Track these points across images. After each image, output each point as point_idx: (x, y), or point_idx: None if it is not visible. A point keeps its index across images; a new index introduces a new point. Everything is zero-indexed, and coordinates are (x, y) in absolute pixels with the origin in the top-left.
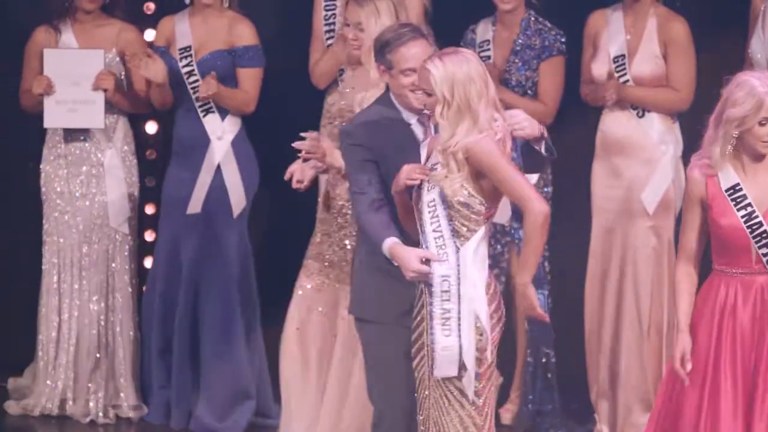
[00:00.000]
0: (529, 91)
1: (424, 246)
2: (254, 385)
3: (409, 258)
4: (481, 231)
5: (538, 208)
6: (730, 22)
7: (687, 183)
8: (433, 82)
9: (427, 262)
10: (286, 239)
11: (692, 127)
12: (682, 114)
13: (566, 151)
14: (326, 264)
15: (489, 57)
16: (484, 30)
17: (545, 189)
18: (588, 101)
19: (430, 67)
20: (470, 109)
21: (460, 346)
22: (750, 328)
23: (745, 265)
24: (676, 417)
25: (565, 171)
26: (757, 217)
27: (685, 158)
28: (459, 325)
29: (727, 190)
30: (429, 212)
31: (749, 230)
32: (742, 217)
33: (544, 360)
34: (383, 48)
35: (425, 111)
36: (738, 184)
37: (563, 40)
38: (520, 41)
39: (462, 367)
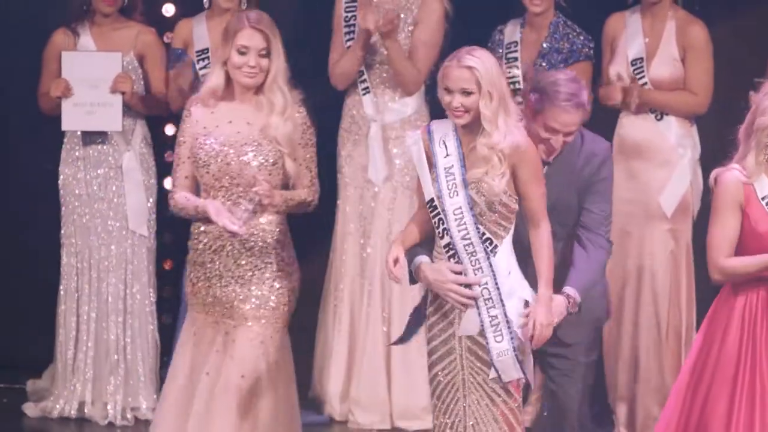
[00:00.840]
0: None
1: (444, 255)
2: None
3: (442, 271)
4: (512, 228)
5: (548, 226)
6: (750, 26)
7: (722, 186)
8: (479, 77)
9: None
10: (303, 242)
11: (710, 131)
12: (700, 117)
13: None
14: (228, 306)
15: (516, 58)
16: (512, 31)
17: None
18: (603, 102)
19: (473, 64)
20: (505, 102)
21: (514, 347)
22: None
23: None
24: (701, 420)
25: None
26: None
27: (703, 161)
28: (508, 327)
29: (763, 198)
30: (456, 220)
31: None
32: None
33: None
34: (539, 90)
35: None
36: None
37: (591, 45)
38: (547, 44)
39: (520, 366)
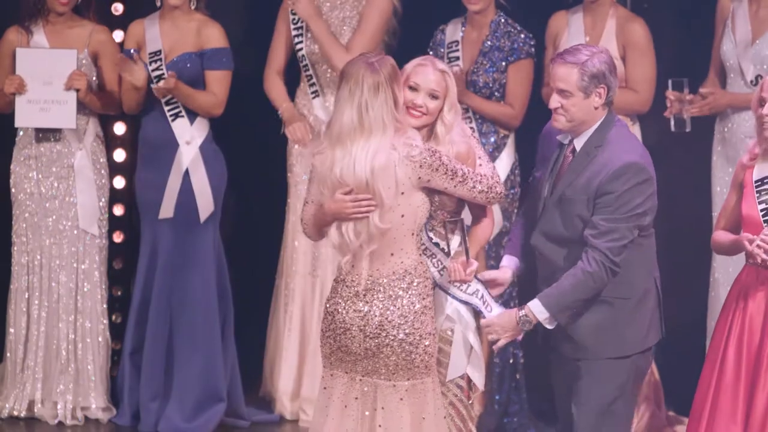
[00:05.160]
0: (496, 93)
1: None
2: (225, 388)
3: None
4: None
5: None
6: (695, 24)
7: (735, 168)
8: (449, 84)
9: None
10: (254, 241)
11: (653, 128)
12: (643, 115)
13: (532, 153)
14: None
15: (458, 57)
16: (453, 30)
17: (512, 190)
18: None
19: (447, 70)
20: (459, 118)
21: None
22: (757, 316)
23: None
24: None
25: (530, 173)
26: None
27: None
28: (490, 295)
29: (756, 182)
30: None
31: (765, 224)
32: (762, 210)
33: (511, 360)
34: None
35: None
36: (767, 178)
37: (532, 43)
38: (488, 43)
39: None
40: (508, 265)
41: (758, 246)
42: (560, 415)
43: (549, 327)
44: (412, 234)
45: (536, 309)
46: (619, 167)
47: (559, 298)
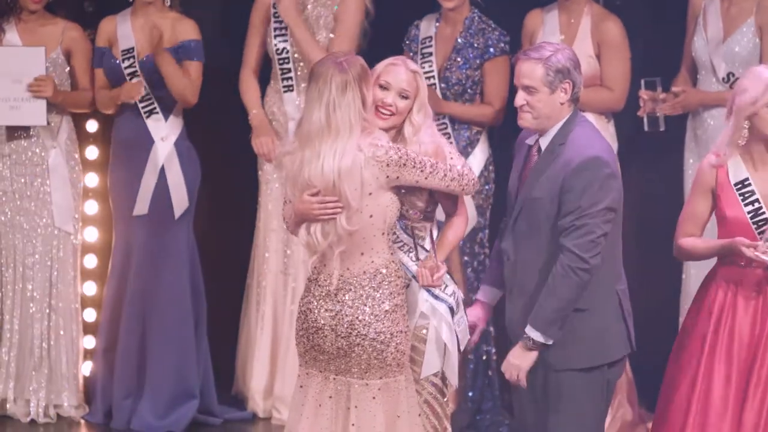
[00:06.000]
0: (469, 90)
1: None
2: (198, 385)
3: None
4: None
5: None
6: (667, 21)
7: (697, 172)
8: (420, 85)
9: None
10: (225, 239)
11: (630, 126)
12: (617, 113)
13: (508, 150)
14: None
15: (431, 53)
16: (427, 26)
17: (486, 186)
18: None
19: (419, 71)
20: (430, 120)
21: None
22: (749, 323)
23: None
24: (664, 406)
25: (506, 170)
26: (763, 213)
27: (621, 157)
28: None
29: (735, 184)
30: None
31: (754, 225)
32: (749, 212)
33: (484, 357)
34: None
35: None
36: (747, 179)
37: (507, 39)
38: (461, 40)
39: (444, 358)
40: (482, 298)
41: (765, 252)
42: (518, 417)
43: (549, 343)
44: (383, 234)
45: (528, 330)
46: (580, 163)
47: (539, 313)
